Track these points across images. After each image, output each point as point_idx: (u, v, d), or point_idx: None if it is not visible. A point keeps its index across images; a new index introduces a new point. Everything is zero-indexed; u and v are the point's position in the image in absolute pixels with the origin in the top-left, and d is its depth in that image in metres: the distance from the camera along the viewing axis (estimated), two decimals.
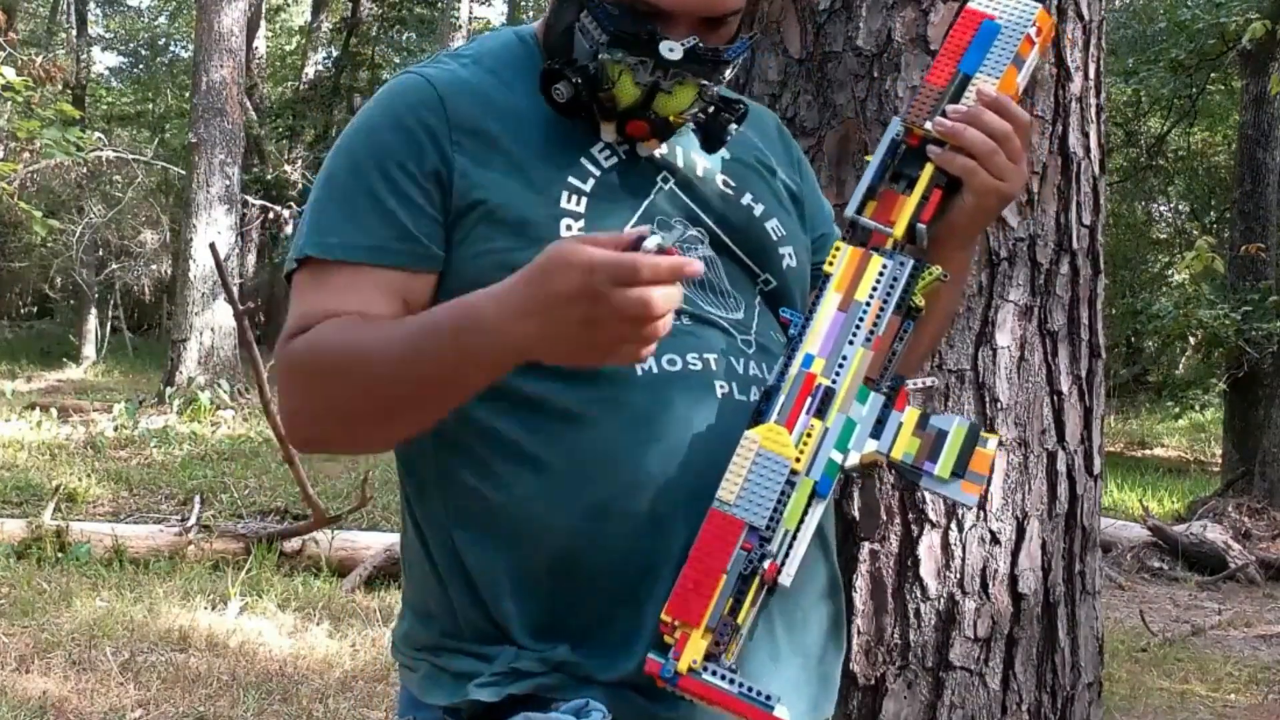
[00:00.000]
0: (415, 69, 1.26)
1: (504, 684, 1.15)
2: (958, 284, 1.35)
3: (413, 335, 1.10)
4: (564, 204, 1.19)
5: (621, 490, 1.16)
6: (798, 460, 1.13)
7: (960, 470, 1.12)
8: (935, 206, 1.20)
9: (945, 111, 1.19)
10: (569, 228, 1.18)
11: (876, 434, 1.15)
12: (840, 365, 1.16)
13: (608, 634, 1.16)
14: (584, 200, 1.20)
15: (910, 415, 1.15)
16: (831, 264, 1.20)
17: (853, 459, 1.14)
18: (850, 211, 1.22)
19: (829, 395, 1.15)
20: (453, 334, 1.06)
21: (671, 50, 1.16)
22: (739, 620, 1.10)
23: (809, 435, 1.14)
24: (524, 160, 1.19)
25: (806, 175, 1.44)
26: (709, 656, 1.08)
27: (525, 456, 1.17)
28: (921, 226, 1.19)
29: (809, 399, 1.15)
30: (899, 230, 1.19)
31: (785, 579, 1.11)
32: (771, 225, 1.31)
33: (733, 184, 1.31)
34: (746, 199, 1.31)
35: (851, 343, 1.17)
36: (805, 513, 1.12)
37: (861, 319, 1.17)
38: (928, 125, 1.19)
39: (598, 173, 1.22)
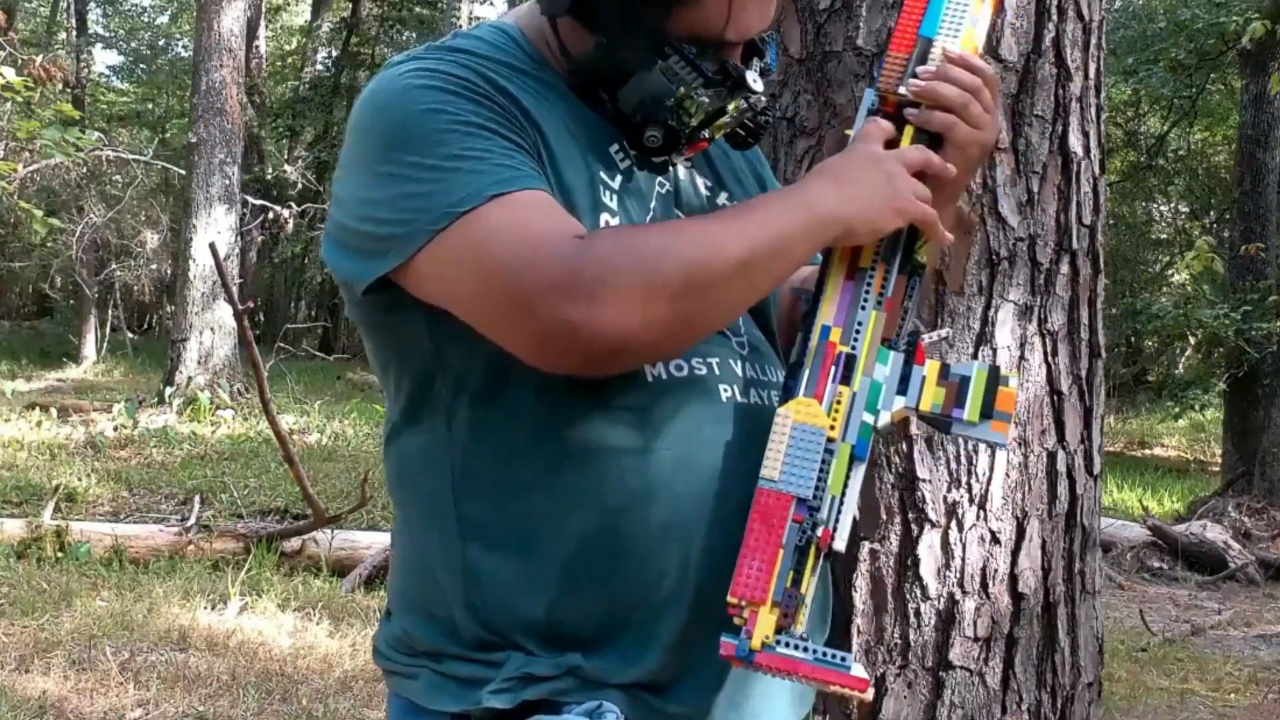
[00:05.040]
0: (426, 57, 1.22)
1: (517, 690, 1.14)
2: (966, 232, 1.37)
3: (739, 213, 1.17)
4: (602, 197, 1.20)
5: (632, 497, 1.16)
6: (832, 428, 1.16)
7: (988, 411, 1.17)
8: None
9: (916, 73, 1.22)
10: (606, 223, 1.19)
11: (902, 390, 1.19)
12: (857, 331, 1.19)
13: (618, 641, 1.16)
14: (615, 197, 1.21)
15: (931, 367, 1.19)
16: None
17: (884, 418, 1.18)
18: None
19: (851, 361, 1.18)
20: (797, 207, 1.15)
21: (755, 81, 1.22)
22: (802, 590, 1.13)
23: (839, 402, 1.17)
24: (566, 150, 1.20)
25: (761, 158, 1.47)
26: (779, 629, 1.11)
27: (537, 461, 1.17)
28: None
29: (833, 367, 1.18)
30: None
31: (839, 543, 1.14)
32: None
33: (710, 183, 1.34)
34: (722, 198, 1.34)
35: (864, 308, 1.20)
36: (848, 477, 1.16)
37: (870, 283, 1.21)
38: (901, 90, 1.22)
39: (620, 171, 1.24)
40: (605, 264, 1.08)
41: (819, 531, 1.13)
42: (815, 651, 1.11)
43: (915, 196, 1.18)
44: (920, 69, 1.22)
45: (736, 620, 1.12)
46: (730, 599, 1.12)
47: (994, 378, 1.17)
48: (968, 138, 1.22)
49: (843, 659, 1.10)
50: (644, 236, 1.15)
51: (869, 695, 1.12)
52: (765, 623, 1.11)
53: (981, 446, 1.98)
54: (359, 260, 1.17)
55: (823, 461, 1.15)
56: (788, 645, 1.11)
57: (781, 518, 1.14)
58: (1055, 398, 2.07)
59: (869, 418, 1.17)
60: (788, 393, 1.18)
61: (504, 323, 1.11)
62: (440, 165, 1.12)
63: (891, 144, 1.22)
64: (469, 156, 1.12)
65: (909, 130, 1.23)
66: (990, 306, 2.01)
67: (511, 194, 1.11)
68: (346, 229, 1.19)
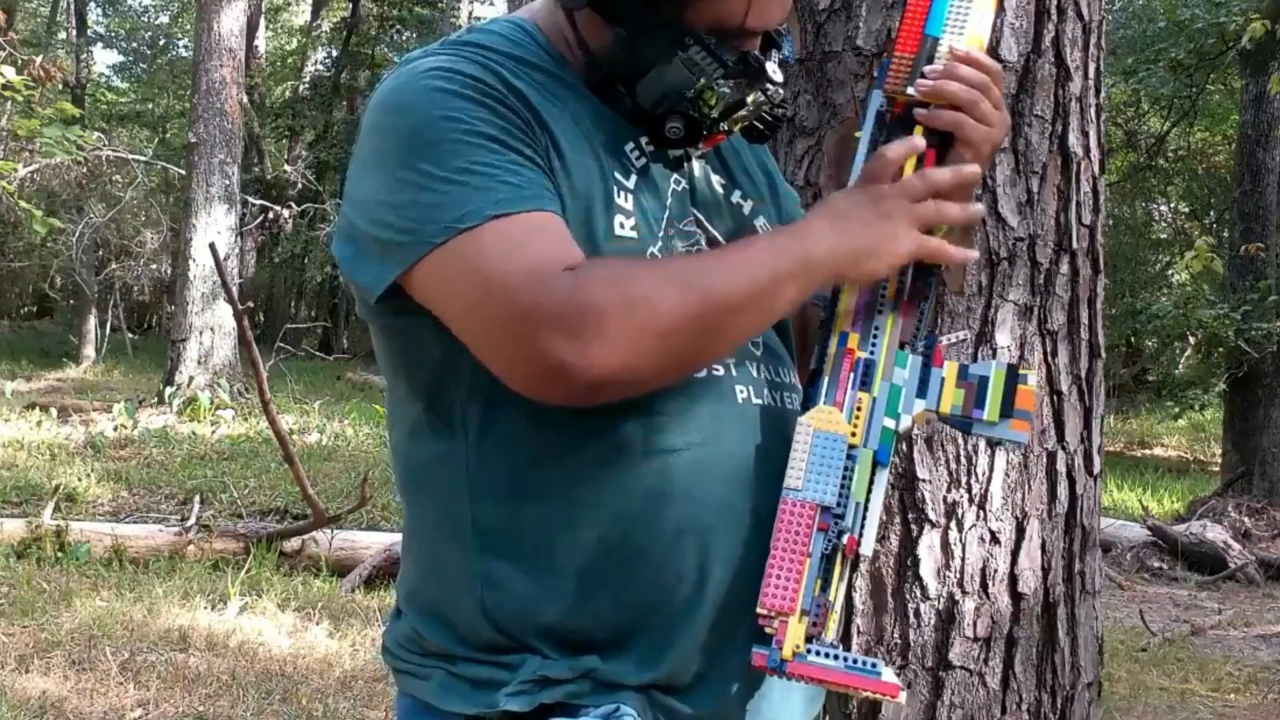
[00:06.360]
0: (445, 53, 1.21)
1: (534, 692, 1.14)
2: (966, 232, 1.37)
3: (742, 250, 1.17)
4: (617, 199, 1.19)
5: (648, 500, 1.16)
6: (853, 434, 1.17)
7: (1008, 411, 1.17)
8: (931, 165, 1.23)
9: (924, 73, 1.22)
10: (621, 225, 1.18)
11: (922, 393, 1.19)
12: (874, 336, 1.20)
13: (636, 643, 1.16)
14: (630, 198, 1.20)
15: (950, 369, 1.19)
16: None
17: (905, 422, 1.19)
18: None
19: (870, 366, 1.19)
20: (788, 246, 1.15)
21: (774, 71, 1.22)
22: (830, 597, 1.14)
23: (859, 409, 1.18)
24: (579, 153, 1.19)
25: (769, 154, 1.46)
26: (809, 638, 1.13)
27: (552, 466, 1.16)
28: None
29: (852, 374, 1.19)
30: None
31: (866, 549, 1.15)
32: (760, 223, 1.33)
33: (724, 181, 1.33)
34: (736, 196, 1.33)
35: (880, 312, 1.21)
36: (871, 482, 1.17)
37: (885, 287, 1.21)
38: (910, 90, 1.22)
39: (635, 171, 1.23)
40: (596, 300, 1.07)
41: (844, 539, 1.14)
42: (846, 659, 1.12)
43: (920, 225, 1.17)
44: (928, 68, 1.22)
45: (767, 630, 1.13)
46: (760, 610, 1.13)
47: (1012, 376, 1.18)
48: (979, 135, 1.22)
49: (873, 665, 1.12)
50: (637, 272, 1.13)
51: (902, 699, 1.13)
52: (795, 632, 1.12)
53: (981, 445, 1.98)
54: (370, 264, 1.17)
55: (845, 468, 1.16)
56: (819, 654, 1.12)
57: (807, 527, 1.14)
58: (1055, 398, 2.07)
59: (890, 422, 1.18)
60: (808, 400, 1.19)
61: (490, 348, 1.12)
62: (449, 177, 1.12)
63: (913, 160, 1.21)
64: (477, 171, 1.12)
65: (918, 131, 1.23)
66: (990, 306, 2.01)
67: (512, 215, 1.10)
68: (359, 230, 1.18)
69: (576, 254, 1.12)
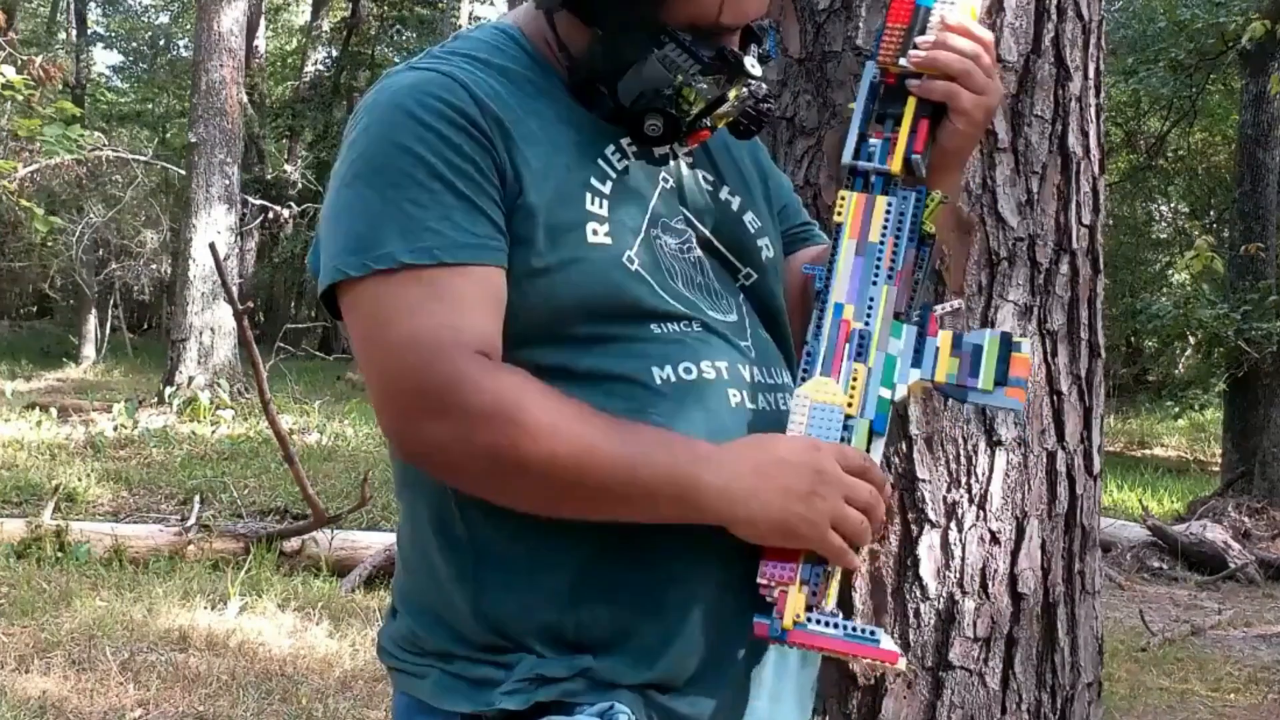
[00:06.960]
0: (424, 66, 1.21)
1: (530, 691, 1.14)
2: (957, 203, 1.36)
3: (634, 462, 1.12)
4: (589, 206, 1.19)
5: None
6: (849, 405, 1.18)
7: (1002, 379, 1.18)
8: (925, 136, 1.23)
9: (916, 44, 1.22)
10: (594, 231, 1.17)
11: (917, 363, 1.20)
12: (869, 307, 1.20)
13: (630, 643, 1.16)
14: (605, 203, 1.20)
15: (944, 338, 1.20)
16: (840, 214, 1.23)
17: (900, 391, 1.20)
18: (846, 159, 1.25)
19: (865, 337, 1.20)
20: (670, 480, 1.11)
21: (753, 65, 1.22)
22: (829, 566, 1.15)
23: (855, 379, 1.18)
24: (550, 164, 1.18)
25: (761, 147, 1.46)
26: (808, 607, 1.14)
27: None
28: (916, 157, 1.23)
29: (848, 345, 1.19)
30: (895, 166, 1.22)
31: None
32: (749, 218, 1.33)
33: (711, 178, 1.32)
34: (724, 193, 1.32)
35: (875, 283, 1.21)
36: (868, 452, 1.18)
37: (879, 258, 1.21)
38: (902, 61, 1.22)
39: (614, 174, 1.22)
40: (482, 400, 1.09)
41: None
42: (845, 627, 1.13)
43: (836, 525, 1.13)
44: (920, 39, 1.22)
45: (768, 599, 1.14)
46: (759, 580, 1.14)
47: (1006, 344, 1.19)
48: (972, 104, 1.22)
49: (872, 633, 1.13)
50: (529, 402, 1.11)
51: (901, 665, 1.14)
52: (795, 602, 1.13)
53: (981, 445, 1.98)
54: (318, 261, 1.20)
55: (842, 439, 1.17)
56: (818, 622, 1.13)
57: None
58: (1055, 398, 2.06)
59: (886, 392, 1.19)
60: (805, 372, 1.20)
61: (370, 386, 1.15)
62: (384, 209, 1.13)
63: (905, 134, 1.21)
64: (411, 211, 1.12)
65: (911, 101, 1.23)
66: (990, 306, 2.01)
67: (428, 268, 1.11)
68: (320, 226, 1.21)
69: (485, 327, 1.12)
